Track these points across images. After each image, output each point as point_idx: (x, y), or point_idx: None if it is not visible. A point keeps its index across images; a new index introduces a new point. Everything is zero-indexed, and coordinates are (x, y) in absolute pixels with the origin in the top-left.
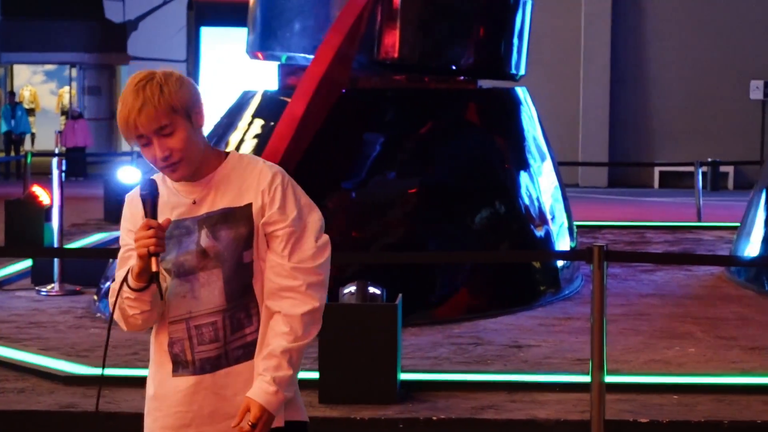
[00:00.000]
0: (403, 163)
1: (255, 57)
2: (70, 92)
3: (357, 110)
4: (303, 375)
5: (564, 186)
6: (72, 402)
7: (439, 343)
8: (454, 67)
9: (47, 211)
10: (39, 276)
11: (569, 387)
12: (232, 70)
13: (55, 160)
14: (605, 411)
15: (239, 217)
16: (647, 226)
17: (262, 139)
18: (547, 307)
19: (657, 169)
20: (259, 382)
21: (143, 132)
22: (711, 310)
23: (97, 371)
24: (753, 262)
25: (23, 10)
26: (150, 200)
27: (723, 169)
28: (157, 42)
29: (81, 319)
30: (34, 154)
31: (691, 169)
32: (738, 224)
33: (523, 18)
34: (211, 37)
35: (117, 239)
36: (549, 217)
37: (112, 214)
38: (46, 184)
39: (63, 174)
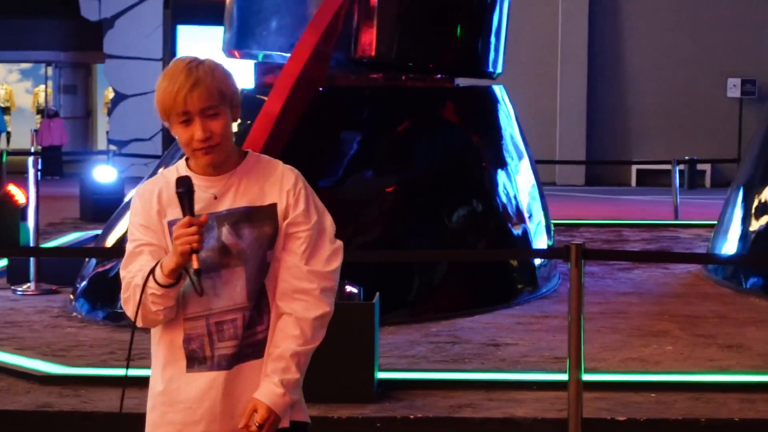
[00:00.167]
0: (381, 162)
1: (231, 55)
2: (46, 91)
3: (334, 108)
4: None
5: (541, 184)
6: (48, 402)
7: (416, 341)
8: (431, 66)
9: (23, 210)
10: (15, 275)
11: (547, 385)
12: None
13: (30, 159)
14: (582, 409)
15: (263, 217)
16: (624, 224)
17: (239, 137)
18: (525, 306)
19: (634, 168)
20: (267, 383)
21: (190, 109)
22: (688, 308)
23: (73, 371)
24: (730, 260)
25: None
26: (187, 197)
27: (700, 167)
28: (134, 40)
29: (57, 318)
30: (9, 153)
31: (668, 167)
32: (715, 222)
33: (501, 16)
34: (187, 35)
35: (93, 238)
36: (526, 215)
37: (88, 213)
38: (22, 183)
39: (39, 173)
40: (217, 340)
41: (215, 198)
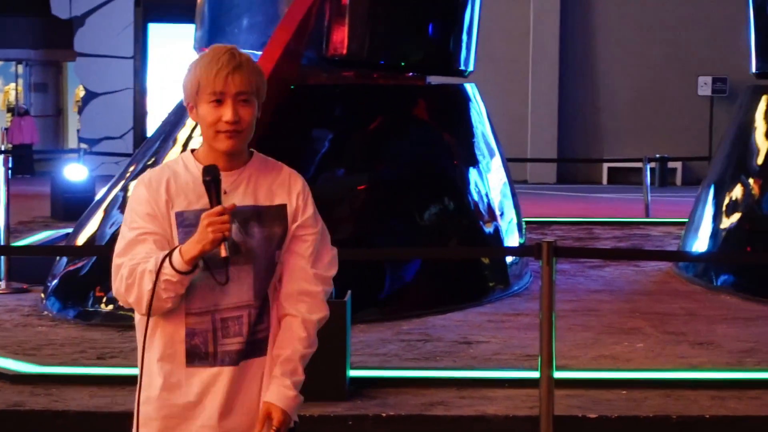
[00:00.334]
0: (352, 160)
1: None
2: (16, 89)
3: (305, 106)
4: None
5: (513, 182)
6: (19, 401)
7: (388, 339)
8: (403, 64)
9: None
10: None
11: (518, 383)
12: (180, 67)
13: (1, 158)
14: (554, 407)
15: (274, 217)
16: (596, 222)
17: None
18: (496, 304)
19: (605, 166)
20: (279, 387)
21: (227, 90)
22: (659, 306)
23: (44, 370)
24: (701, 257)
25: None
26: (214, 185)
27: (671, 165)
28: (105, 38)
29: (28, 317)
30: None
31: (639, 165)
32: (686, 220)
33: (472, 14)
34: (158, 33)
35: (64, 236)
36: (498, 213)
37: (59, 212)
38: None
39: (9, 171)
40: (221, 336)
41: (225, 193)
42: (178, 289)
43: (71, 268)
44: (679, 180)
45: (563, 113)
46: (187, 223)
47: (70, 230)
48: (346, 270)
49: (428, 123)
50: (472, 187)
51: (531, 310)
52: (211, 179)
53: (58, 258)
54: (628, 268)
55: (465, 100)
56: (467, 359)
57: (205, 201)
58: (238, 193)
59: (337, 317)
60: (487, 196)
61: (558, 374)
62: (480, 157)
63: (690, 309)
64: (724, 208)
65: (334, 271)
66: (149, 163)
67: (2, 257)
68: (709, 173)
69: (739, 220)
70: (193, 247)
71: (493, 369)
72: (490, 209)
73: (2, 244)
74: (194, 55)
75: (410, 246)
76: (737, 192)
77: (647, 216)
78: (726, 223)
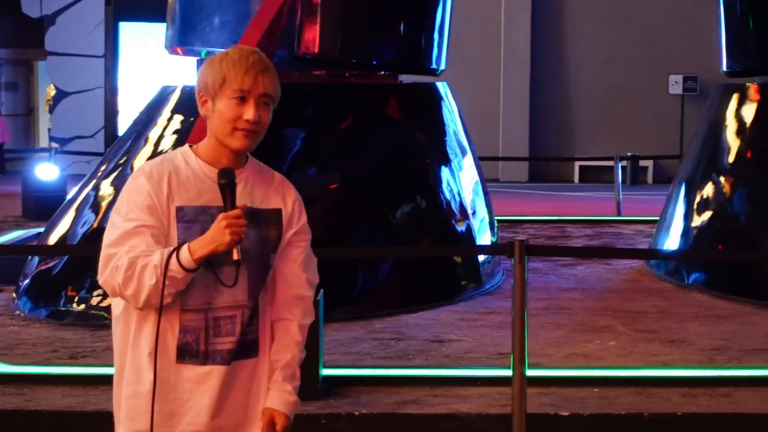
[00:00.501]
0: (324, 159)
1: (174, 52)
2: None
3: (277, 105)
4: None
5: (485, 181)
6: None
7: (360, 338)
8: (374, 62)
9: None
10: None
11: (491, 381)
12: (151, 66)
13: None
14: (527, 404)
15: (270, 220)
16: (567, 221)
17: (182, 134)
18: (469, 302)
19: (577, 164)
20: (281, 392)
21: (253, 89)
22: (631, 304)
23: (16, 369)
24: (672, 255)
25: None
26: (229, 188)
27: (642, 163)
28: (75, 37)
29: (0, 317)
30: None
31: (610, 163)
32: (657, 218)
33: (444, 13)
34: (129, 32)
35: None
36: (470, 211)
37: (31, 211)
38: None
39: None
40: (213, 335)
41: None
42: (180, 286)
43: (43, 267)
44: (650, 178)
45: (535, 112)
46: (186, 219)
47: (41, 230)
48: (318, 269)
49: (400, 122)
50: (444, 185)
51: (503, 308)
52: (227, 182)
53: (29, 257)
54: (600, 267)
55: (437, 98)
56: (440, 358)
57: (206, 198)
58: (236, 194)
59: None
60: (459, 194)
61: (530, 372)
62: (452, 156)
63: (661, 307)
64: (695, 207)
65: (318, 278)
66: (120, 162)
67: None
68: (681, 171)
69: (710, 218)
70: (204, 246)
71: (466, 367)
72: (462, 208)
73: None
74: (165, 54)
75: (383, 245)
76: (708, 190)
77: (619, 214)
78: (697, 221)
